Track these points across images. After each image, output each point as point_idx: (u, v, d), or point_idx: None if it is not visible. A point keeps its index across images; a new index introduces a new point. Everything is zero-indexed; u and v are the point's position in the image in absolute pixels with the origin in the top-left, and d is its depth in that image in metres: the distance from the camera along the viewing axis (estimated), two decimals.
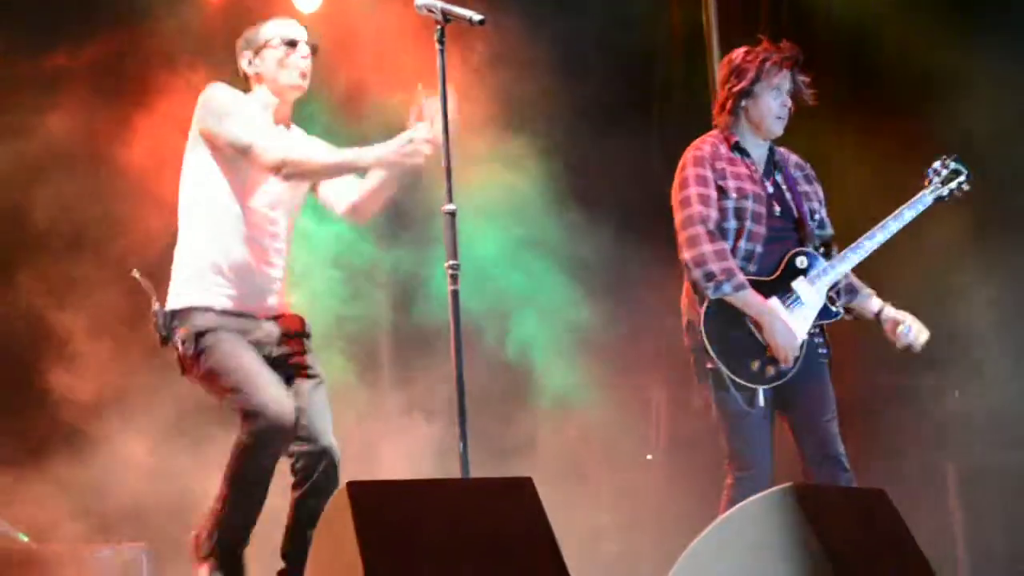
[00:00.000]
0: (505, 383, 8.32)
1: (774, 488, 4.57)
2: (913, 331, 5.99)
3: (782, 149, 6.13)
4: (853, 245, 5.91)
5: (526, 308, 8.47)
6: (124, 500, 7.68)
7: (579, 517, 7.44)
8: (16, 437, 7.79)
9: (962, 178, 6.05)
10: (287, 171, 5.37)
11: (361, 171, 5.53)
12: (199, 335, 5.36)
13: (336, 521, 4.12)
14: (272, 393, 5.28)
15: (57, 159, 7.88)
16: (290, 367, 5.53)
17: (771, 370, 5.76)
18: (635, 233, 8.30)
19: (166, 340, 5.45)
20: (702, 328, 5.81)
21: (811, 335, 5.85)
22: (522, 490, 4.38)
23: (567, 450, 8.46)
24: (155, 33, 8.12)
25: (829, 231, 6.07)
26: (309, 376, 5.56)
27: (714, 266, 5.76)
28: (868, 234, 5.92)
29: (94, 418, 7.91)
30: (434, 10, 5.35)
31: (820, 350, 5.90)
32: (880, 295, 6.11)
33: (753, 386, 5.75)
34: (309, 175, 5.56)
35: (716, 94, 6.11)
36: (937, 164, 6.06)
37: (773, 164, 6.01)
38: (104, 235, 7.97)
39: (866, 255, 5.91)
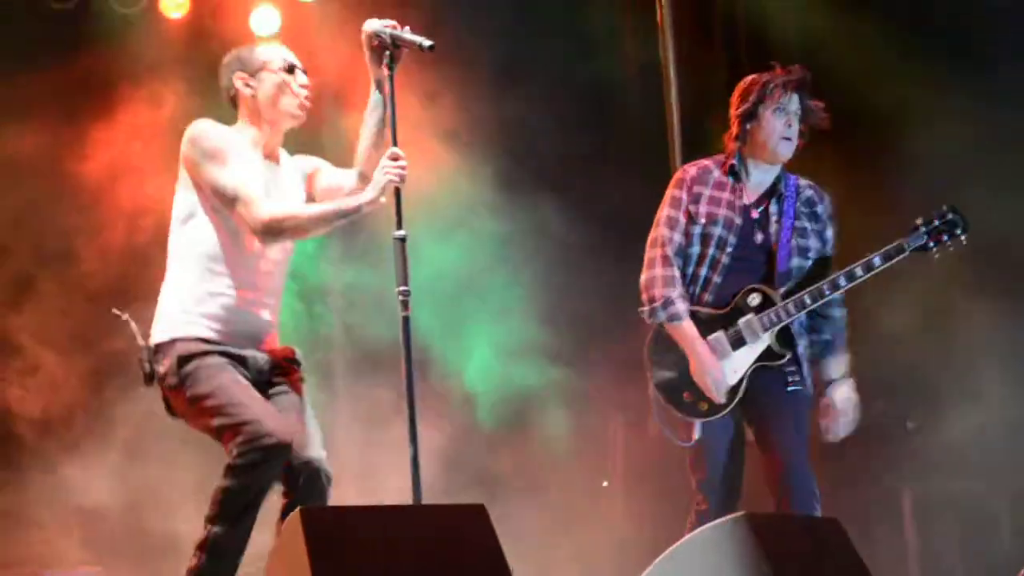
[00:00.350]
0: (458, 406, 8.31)
1: (726, 517, 4.57)
2: (841, 427, 5.84)
3: (801, 181, 5.99)
4: (811, 289, 5.73)
5: (479, 331, 8.46)
6: (80, 522, 7.63)
7: (534, 544, 7.42)
8: None
9: (958, 230, 5.74)
10: (274, 230, 5.11)
11: (350, 215, 5.20)
12: (181, 361, 5.11)
13: (289, 547, 4.10)
14: (264, 408, 5.08)
15: (20, 173, 7.85)
16: (270, 387, 5.28)
17: (704, 405, 5.73)
18: (592, 260, 8.31)
19: (151, 378, 5.20)
20: (645, 356, 5.87)
21: (780, 368, 5.75)
22: (475, 517, 4.38)
23: (523, 475, 8.45)
24: (118, 51, 8.13)
25: (817, 269, 5.84)
26: (287, 395, 5.30)
27: (656, 291, 5.78)
28: (831, 279, 5.72)
29: (47, 435, 7.86)
30: (383, 36, 5.29)
31: (790, 378, 5.76)
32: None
33: (687, 418, 5.73)
34: (297, 231, 5.21)
35: (673, 125, 6.07)
36: (934, 213, 5.76)
37: (775, 192, 5.89)
38: (65, 247, 7.99)
39: (824, 301, 5.73)
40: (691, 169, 5.95)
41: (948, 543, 7.53)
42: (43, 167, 7.93)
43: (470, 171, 8.27)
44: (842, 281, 5.71)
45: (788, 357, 5.76)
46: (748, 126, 5.83)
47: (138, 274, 7.31)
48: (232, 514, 5.02)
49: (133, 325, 5.27)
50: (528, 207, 8.36)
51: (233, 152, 5.21)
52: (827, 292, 5.72)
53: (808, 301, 5.72)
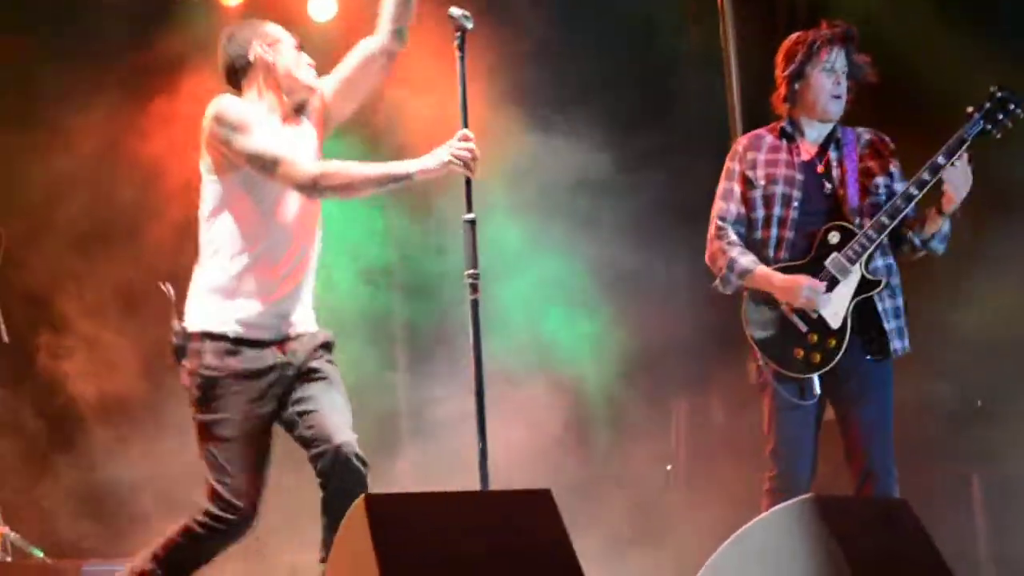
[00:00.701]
0: (522, 387, 8.27)
1: (795, 499, 4.53)
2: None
3: (858, 129, 5.96)
4: (887, 208, 5.67)
5: (544, 310, 8.43)
6: (140, 511, 7.64)
7: (599, 528, 7.38)
8: (29, 442, 7.76)
9: (1012, 105, 5.68)
10: (323, 185, 5.09)
11: (403, 181, 5.14)
12: (206, 381, 5.15)
13: (353, 534, 4.10)
14: (247, 485, 5.13)
15: (81, 153, 7.91)
16: (298, 377, 5.26)
17: (817, 356, 5.70)
18: (654, 239, 8.26)
19: (179, 359, 5.23)
20: (745, 327, 5.85)
21: (859, 338, 5.72)
22: (541, 502, 4.36)
23: (587, 458, 8.41)
24: (174, 38, 8.14)
25: (898, 203, 5.68)
26: (315, 379, 5.25)
27: (719, 261, 5.84)
28: (903, 192, 5.67)
29: (108, 422, 7.87)
30: (455, 16, 5.32)
31: (869, 346, 5.75)
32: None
33: (802, 376, 5.70)
34: (347, 189, 5.15)
35: (734, 107, 6.04)
36: (985, 97, 5.70)
37: (834, 142, 5.88)
38: (129, 222, 8.06)
39: (902, 216, 5.67)
40: (743, 140, 6.02)
41: (1018, 524, 7.43)
42: (104, 147, 7.98)
43: (532, 154, 8.23)
44: (913, 191, 5.67)
45: (882, 284, 5.72)
46: (796, 86, 5.85)
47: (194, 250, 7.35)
48: (176, 568, 5.13)
49: (173, 298, 5.25)
50: (589, 187, 8.32)
51: (258, 121, 5.19)
52: (902, 205, 5.67)
53: (886, 221, 5.68)
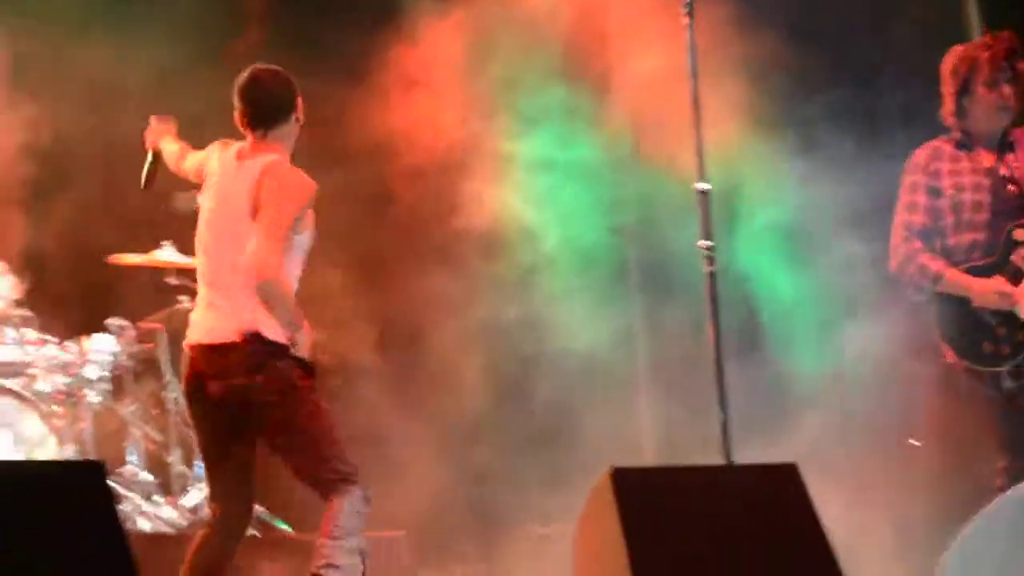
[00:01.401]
0: (759, 357, 8.18)
1: None
2: None
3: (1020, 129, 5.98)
4: None
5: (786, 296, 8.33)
6: (382, 487, 7.74)
7: (843, 504, 7.29)
8: None
9: None
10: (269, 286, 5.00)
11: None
12: (307, 368, 5.13)
13: (600, 508, 4.14)
14: None
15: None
16: None
17: (1006, 348, 5.69)
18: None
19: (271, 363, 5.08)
20: (936, 327, 5.85)
21: None
22: (786, 476, 4.35)
23: (826, 432, 8.29)
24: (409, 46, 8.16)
25: None
26: None
27: (910, 267, 5.84)
28: None
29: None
30: None
31: None
32: None
33: (992, 369, 5.69)
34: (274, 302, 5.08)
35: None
36: None
37: (1008, 146, 5.93)
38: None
39: None
40: (921, 153, 6.01)
41: None
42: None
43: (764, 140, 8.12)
44: None
45: None
46: (963, 102, 5.92)
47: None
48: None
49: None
50: (822, 180, 8.18)
51: None
52: None
53: None
